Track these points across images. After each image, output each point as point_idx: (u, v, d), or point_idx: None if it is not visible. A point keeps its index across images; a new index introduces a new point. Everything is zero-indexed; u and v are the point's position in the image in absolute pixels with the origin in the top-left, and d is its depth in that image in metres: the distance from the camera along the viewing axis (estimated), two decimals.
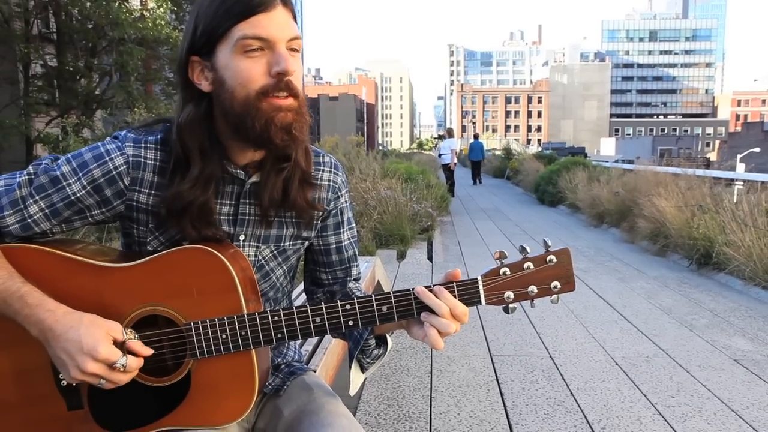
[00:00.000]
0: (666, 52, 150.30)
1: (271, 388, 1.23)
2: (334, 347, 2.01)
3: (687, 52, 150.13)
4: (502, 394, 2.98)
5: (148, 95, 14.12)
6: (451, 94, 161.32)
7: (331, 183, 1.23)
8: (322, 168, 1.22)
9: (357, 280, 1.32)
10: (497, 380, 3.17)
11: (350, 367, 1.21)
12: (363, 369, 1.22)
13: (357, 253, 1.33)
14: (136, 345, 0.98)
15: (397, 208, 7.82)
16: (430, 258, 6.98)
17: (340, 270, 1.29)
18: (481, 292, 1.03)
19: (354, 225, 1.31)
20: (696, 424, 2.65)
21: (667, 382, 3.16)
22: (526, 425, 2.64)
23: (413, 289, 1.03)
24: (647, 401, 2.90)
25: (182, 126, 1.06)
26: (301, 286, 1.40)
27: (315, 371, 1.35)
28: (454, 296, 1.02)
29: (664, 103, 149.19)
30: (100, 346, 0.93)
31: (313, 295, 1.32)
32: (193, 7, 1.08)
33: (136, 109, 11.87)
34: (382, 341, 1.21)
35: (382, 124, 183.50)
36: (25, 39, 12.43)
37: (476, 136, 22.44)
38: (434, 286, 1.03)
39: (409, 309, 1.03)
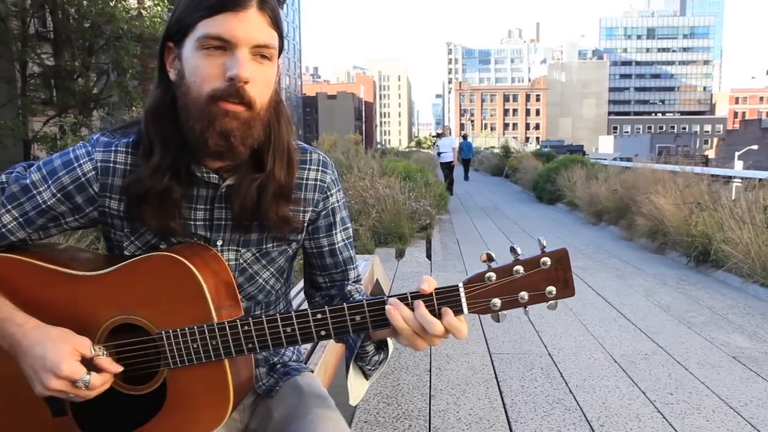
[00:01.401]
0: (664, 50, 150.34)
1: (265, 389, 1.21)
2: (333, 345, 2.01)
3: (685, 49, 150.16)
4: (501, 392, 2.98)
5: (146, 94, 14.10)
6: (450, 92, 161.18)
7: (319, 182, 1.17)
8: (308, 166, 1.16)
9: (357, 281, 1.26)
10: (496, 378, 3.18)
11: (347, 376, 1.14)
12: (366, 376, 1.16)
13: (354, 255, 1.26)
14: (104, 362, 0.96)
15: (395, 207, 7.81)
16: (428, 256, 6.97)
17: (336, 273, 1.23)
18: (463, 300, 0.95)
19: (349, 225, 1.25)
20: (694, 421, 2.66)
21: (666, 380, 3.16)
22: (525, 423, 2.64)
23: (387, 298, 0.96)
24: (646, 398, 2.91)
25: (148, 112, 1.04)
26: (296, 288, 1.38)
27: (313, 371, 1.34)
28: (433, 308, 0.95)
29: (663, 101, 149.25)
30: (62, 364, 0.91)
31: (312, 299, 1.28)
32: None
33: (134, 107, 11.85)
34: (383, 344, 1.14)
35: (381, 123, 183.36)
36: (22, 38, 12.40)
37: (465, 137, 23.65)
38: (411, 296, 0.95)
39: (384, 319, 0.96)
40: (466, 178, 22.22)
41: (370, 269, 3.27)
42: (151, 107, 1.03)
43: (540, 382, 3.12)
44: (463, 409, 2.79)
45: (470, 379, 3.15)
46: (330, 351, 1.95)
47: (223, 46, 0.95)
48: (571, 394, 2.96)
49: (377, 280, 3.49)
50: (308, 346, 1.95)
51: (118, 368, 0.98)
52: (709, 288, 5.43)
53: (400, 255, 6.87)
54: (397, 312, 0.94)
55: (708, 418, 2.69)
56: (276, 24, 1.00)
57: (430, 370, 3.26)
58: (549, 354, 3.56)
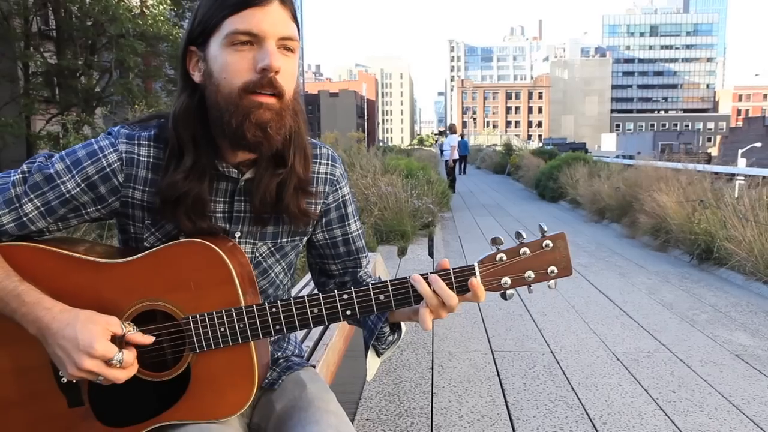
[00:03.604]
0: (667, 47, 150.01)
1: (267, 383, 1.23)
2: (335, 343, 2.01)
3: (688, 46, 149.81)
4: (503, 390, 2.98)
5: (148, 92, 14.12)
6: (452, 89, 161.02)
7: (329, 176, 1.22)
8: (319, 161, 1.20)
9: (367, 268, 1.33)
10: (498, 376, 3.18)
11: (366, 355, 1.20)
12: (378, 354, 1.22)
13: (365, 245, 1.33)
14: (137, 336, 0.98)
15: (397, 204, 7.81)
16: (431, 254, 6.97)
17: (349, 261, 1.29)
18: (478, 278, 1.03)
19: (359, 217, 1.31)
20: (697, 419, 2.66)
21: (669, 377, 3.16)
22: (527, 420, 2.64)
23: (410, 277, 1.03)
24: (648, 396, 2.91)
25: (177, 116, 1.06)
26: (301, 283, 1.40)
27: (315, 367, 1.35)
28: (451, 284, 1.02)
29: (665, 98, 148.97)
30: (96, 343, 0.93)
31: (326, 287, 1.32)
32: None
33: (136, 105, 11.85)
34: (396, 327, 1.20)
35: (383, 120, 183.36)
36: (24, 36, 12.42)
37: (462, 135, 25.70)
38: (430, 274, 1.03)
39: (406, 297, 1.03)
40: (462, 172, 23.20)
41: (372, 267, 3.27)
42: (180, 110, 1.05)
43: (542, 380, 3.12)
44: (465, 406, 2.79)
45: (472, 377, 3.15)
46: (332, 349, 1.95)
47: (251, 40, 0.99)
48: (574, 391, 2.96)
49: (379, 277, 3.49)
50: (310, 343, 1.95)
51: (151, 338, 1.00)
52: (711, 286, 5.42)
53: (402, 253, 6.87)
54: (422, 281, 1.01)
55: (711, 416, 2.69)
56: (295, 17, 1.04)
57: (432, 368, 3.26)
58: (551, 352, 3.56)
